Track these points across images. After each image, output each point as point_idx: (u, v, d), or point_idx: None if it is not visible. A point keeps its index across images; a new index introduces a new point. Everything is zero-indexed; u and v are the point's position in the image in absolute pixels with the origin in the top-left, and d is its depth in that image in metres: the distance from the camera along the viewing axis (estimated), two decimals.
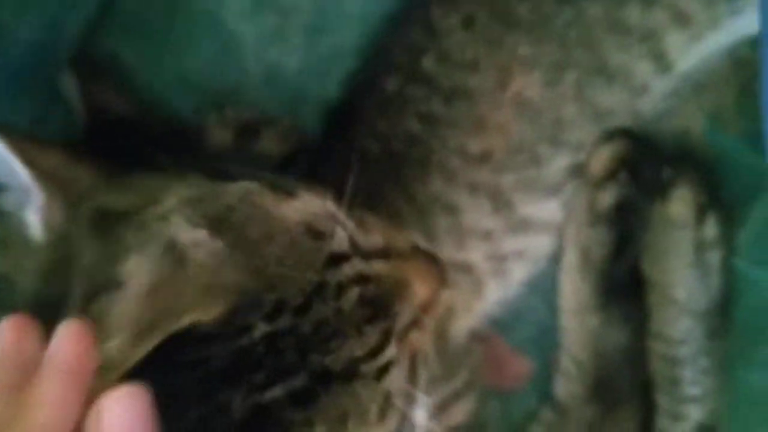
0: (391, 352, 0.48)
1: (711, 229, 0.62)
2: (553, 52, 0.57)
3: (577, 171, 0.61)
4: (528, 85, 0.57)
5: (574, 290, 0.64)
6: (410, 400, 0.51)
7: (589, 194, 0.60)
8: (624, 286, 0.63)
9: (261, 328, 0.43)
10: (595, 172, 0.60)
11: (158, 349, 0.41)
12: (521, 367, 0.72)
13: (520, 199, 0.61)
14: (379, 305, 0.48)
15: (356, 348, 0.46)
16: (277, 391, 0.43)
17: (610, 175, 0.60)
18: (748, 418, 0.66)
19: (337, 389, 0.45)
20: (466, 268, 0.63)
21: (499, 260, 0.64)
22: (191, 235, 0.44)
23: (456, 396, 0.69)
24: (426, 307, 0.51)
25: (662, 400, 0.66)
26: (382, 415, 0.48)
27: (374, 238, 0.50)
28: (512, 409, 0.72)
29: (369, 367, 0.46)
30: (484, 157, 0.59)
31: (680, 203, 0.62)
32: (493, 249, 0.63)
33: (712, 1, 0.58)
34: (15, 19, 0.54)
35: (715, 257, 0.63)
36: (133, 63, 0.62)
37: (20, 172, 0.46)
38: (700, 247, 0.62)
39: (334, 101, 0.63)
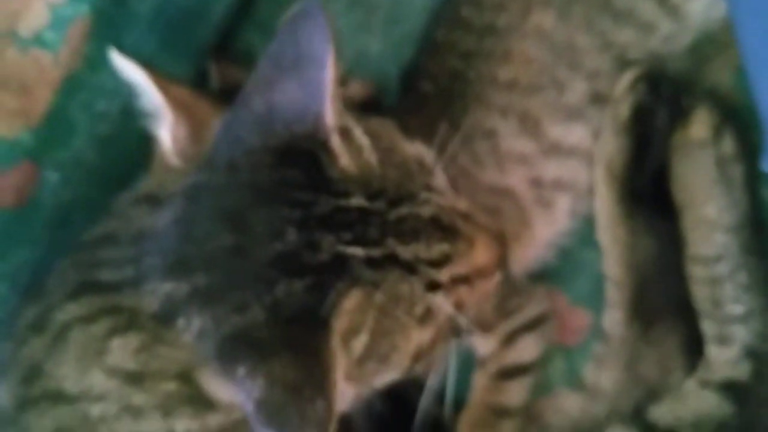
0: (443, 275, 0.58)
1: (728, 144, 0.68)
2: None
3: (598, 98, 0.71)
4: (544, 18, 0.70)
5: (601, 202, 0.70)
6: (455, 327, 0.62)
7: (611, 110, 0.70)
8: (646, 195, 0.69)
9: (359, 200, 0.56)
10: (617, 89, 0.69)
11: None
12: (580, 320, 0.77)
13: (547, 122, 0.71)
14: (448, 234, 0.59)
15: (421, 251, 0.58)
16: (358, 251, 0.55)
17: (629, 88, 0.69)
18: None
19: (399, 273, 0.56)
20: (509, 193, 0.73)
21: (539, 187, 0.73)
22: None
23: (521, 331, 0.76)
24: (480, 273, 0.62)
25: (707, 326, 0.69)
26: (423, 320, 0.58)
27: (461, 202, 0.63)
28: (574, 361, 0.77)
29: (425, 274, 0.58)
30: (512, 84, 0.71)
31: (699, 125, 0.69)
32: (531, 173, 0.72)
33: None
34: None
35: (736, 171, 0.68)
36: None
37: (158, 97, 0.63)
38: (720, 162, 0.68)
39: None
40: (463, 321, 0.63)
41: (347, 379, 0.58)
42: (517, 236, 0.74)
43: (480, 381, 0.76)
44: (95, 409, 0.59)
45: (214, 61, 0.81)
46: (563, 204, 0.74)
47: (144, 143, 0.68)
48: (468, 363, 0.77)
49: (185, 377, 0.61)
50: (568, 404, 0.72)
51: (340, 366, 0.56)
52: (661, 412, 0.65)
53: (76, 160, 0.72)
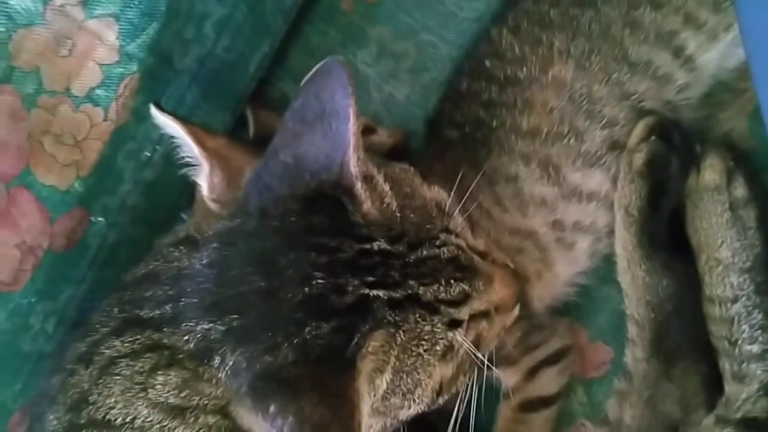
0: (462, 314, 0.62)
1: (741, 189, 0.71)
2: (582, 44, 0.73)
3: (615, 145, 0.74)
4: (564, 70, 0.73)
5: (621, 245, 0.73)
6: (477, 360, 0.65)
7: (626, 158, 0.72)
8: (664, 238, 0.72)
9: (381, 244, 0.60)
10: (631, 139, 0.73)
11: None
12: (601, 355, 0.79)
13: (567, 168, 0.74)
14: (467, 274, 0.63)
15: (441, 292, 0.61)
16: (381, 293, 0.59)
17: (643, 139, 0.72)
18: None
19: (420, 313, 0.60)
20: (531, 235, 0.76)
21: (561, 229, 0.76)
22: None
23: (543, 365, 0.78)
24: (499, 308, 0.66)
25: (726, 364, 0.71)
26: (444, 356, 0.62)
27: (479, 241, 0.67)
28: (595, 393, 0.80)
29: (446, 313, 0.61)
30: (534, 132, 0.74)
31: (711, 170, 0.71)
32: (552, 217, 0.75)
33: (720, 8, 0.72)
34: (215, 35, 0.78)
35: (749, 214, 0.70)
36: None
37: (194, 149, 0.67)
38: (733, 206, 0.70)
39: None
40: (483, 354, 0.67)
41: (372, 415, 0.61)
42: (539, 275, 0.77)
43: (504, 412, 0.79)
44: None
45: (250, 109, 0.86)
46: (583, 245, 0.77)
47: (185, 189, 0.74)
48: (494, 395, 0.79)
49: (224, 412, 0.63)
50: None
51: (366, 404, 0.59)
52: None
53: (122, 204, 0.77)
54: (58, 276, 0.74)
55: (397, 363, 0.60)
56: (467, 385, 0.68)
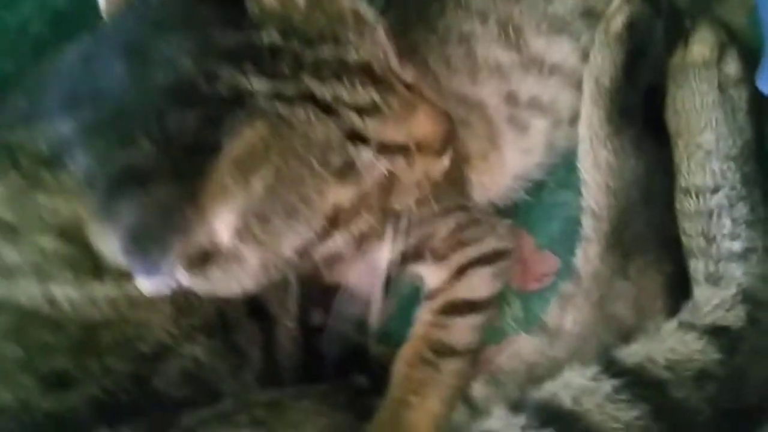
0: (369, 128, 0.52)
1: (733, 65, 0.60)
2: None
3: (589, 12, 0.63)
4: None
5: (587, 122, 0.61)
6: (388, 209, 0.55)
7: (604, 24, 0.61)
8: (635, 114, 0.60)
9: (271, 36, 0.51)
10: (613, 2, 0.62)
11: None
12: (546, 266, 0.67)
13: (530, 32, 0.63)
14: (381, 86, 0.53)
15: (342, 93, 0.51)
16: (263, 85, 0.49)
17: (626, 2, 0.61)
18: None
19: (314, 111, 0.50)
20: (479, 106, 0.65)
21: (514, 104, 0.64)
22: None
23: (476, 264, 0.65)
24: (422, 148, 0.55)
25: (699, 265, 0.58)
26: (342, 175, 0.52)
27: (407, 72, 0.56)
28: (533, 308, 0.66)
29: (346, 118, 0.51)
30: None
31: (701, 44, 0.61)
32: (506, 87, 0.64)
33: None
34: None
35: (740, 95, 0.59)
36: None
37: None
38: (723, 84, 0.60)
39: None
40: (398, 204, 0.56)
41: (254, 240, 0.51)
42: (483, 156, 0.65)
43: (425, 316, 0.65)
44: None
45: None
46: (539, 129, 0.65)
47: None
48: (413, 300, 0.67)
49: (67, 234, 0.54)
50: (524, 348, 0.60)
51: (233, 199, 0.49)
52: (630, 351, 0.53)
53: (22, 28, 0.68)
54: None
55: (280, 163, 0.49)
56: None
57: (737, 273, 0.56)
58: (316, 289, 0.64)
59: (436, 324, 0.64)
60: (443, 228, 0.64)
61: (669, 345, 0.53)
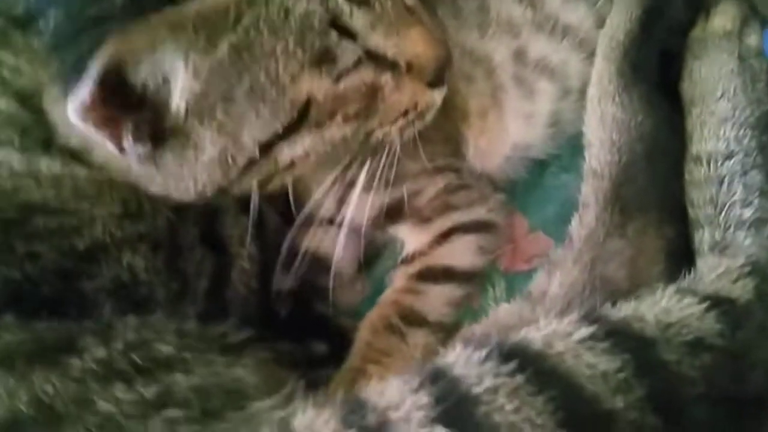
0: (355, 20, 0.48)
1: (755, 36, 0.56)
2: None
3: None
4: None
5: (597, 77, 0.57)
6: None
7: None
8: (648, 72, 0.56)
9: None
10: None
11: None
12: (539, 248, 0.60)
13: None
14: None
15: None
16: None
17: None
18: None
19: None
20: (485, 60, 0.61)
21: (522, 62, 0.61)
22: None
23: (460, 230, 0.60)
24: (413, 69, 0.52)
25: (705, 234, 0.52)
26: (318, 65, 0.48)
27: None
28: (518, 291, 0.58)
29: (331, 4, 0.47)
30: None
31: (723, 15, 0.58)
32: (515, 42, 0.61)
33: None
34: None
35: (762, 66, 0.55)
36: None
37: None
38: (744, 54, 0.56)
39: None
40: (379, 129, 0.52)
41: (214, 123, 0.47)
42: (483, 114, 0.61)
43: (398, 281, 0.59)
44: None
45: None
46: (545, 96, 0.61)
47: None
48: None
49: (23, 98, 0.52)
50: (502, 314, 0.53)
51: (191, 48, 0.45)
52: (617, 308, 0.46)
53: None
54: None
55: (252, 32, 0.46)
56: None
57: (746, 242, 0.49)
58: (286, 253, 0.59)
59: (410, 289, 0.57)
60: (431, 187, 0.59)
61: (663, 306, 0.46)
